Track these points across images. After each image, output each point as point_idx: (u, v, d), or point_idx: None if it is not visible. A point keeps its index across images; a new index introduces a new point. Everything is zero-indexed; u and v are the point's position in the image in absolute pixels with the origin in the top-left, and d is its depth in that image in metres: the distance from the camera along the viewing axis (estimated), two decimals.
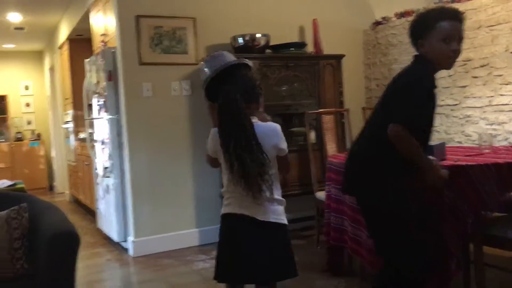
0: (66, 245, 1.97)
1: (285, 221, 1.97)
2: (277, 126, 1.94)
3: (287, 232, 1.98)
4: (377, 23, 5.02)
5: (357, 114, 4.37)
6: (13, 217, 2.24)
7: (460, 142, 4.12)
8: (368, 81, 5.16)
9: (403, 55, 4.64)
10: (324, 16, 4.66)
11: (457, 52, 2.03)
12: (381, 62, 4.98)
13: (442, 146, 2.65)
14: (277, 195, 1.95)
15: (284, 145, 1.94)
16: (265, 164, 1.81)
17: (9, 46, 8.19)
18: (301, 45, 4.41)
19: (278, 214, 1.94)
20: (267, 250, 1.88)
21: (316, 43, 4.51)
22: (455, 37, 2.01)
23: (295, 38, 4.60)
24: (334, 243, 2.95)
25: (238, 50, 4.12)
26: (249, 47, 4.11)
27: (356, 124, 4.32)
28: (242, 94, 1.84)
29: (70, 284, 2.00)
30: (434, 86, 2.00)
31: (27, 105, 8.88)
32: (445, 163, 2.38)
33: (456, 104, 4.15)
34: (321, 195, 3.52)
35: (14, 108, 8.66)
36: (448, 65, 2.08)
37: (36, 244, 2.17)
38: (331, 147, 3.91)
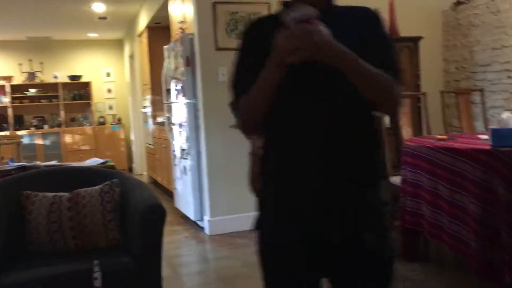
0: (157, 217, 2.13)
1: None
2: None
3: None
4: (459, 3, 4.80)
5: (434, 98, 4.24)
6: (106, 191, 2.42)
7: None
8: (447, 63, 4.96)
9: (486, 36, 4.42)
10: None
11: None
12: (461, 44, 4.77)
13: None
14: None
15: None
16: None
17: (93, 35, 8.71)
18: None
19: None
20: None
21: (392, 25, 4.38)
22: None
23: None
24: (409, 226, 2.92)
25: None
26: None
27: (433, 108, 4.19)
28: None
29: (158, 253, 2.15)
30: None
31: (109, 91, 9.41)
32: None
33: None
34: (395, 180, 3.47)
35: (97, 94, 9.22)
36: None
37: (127, 217, 2.35)
38: (406, 132, 3.82)
